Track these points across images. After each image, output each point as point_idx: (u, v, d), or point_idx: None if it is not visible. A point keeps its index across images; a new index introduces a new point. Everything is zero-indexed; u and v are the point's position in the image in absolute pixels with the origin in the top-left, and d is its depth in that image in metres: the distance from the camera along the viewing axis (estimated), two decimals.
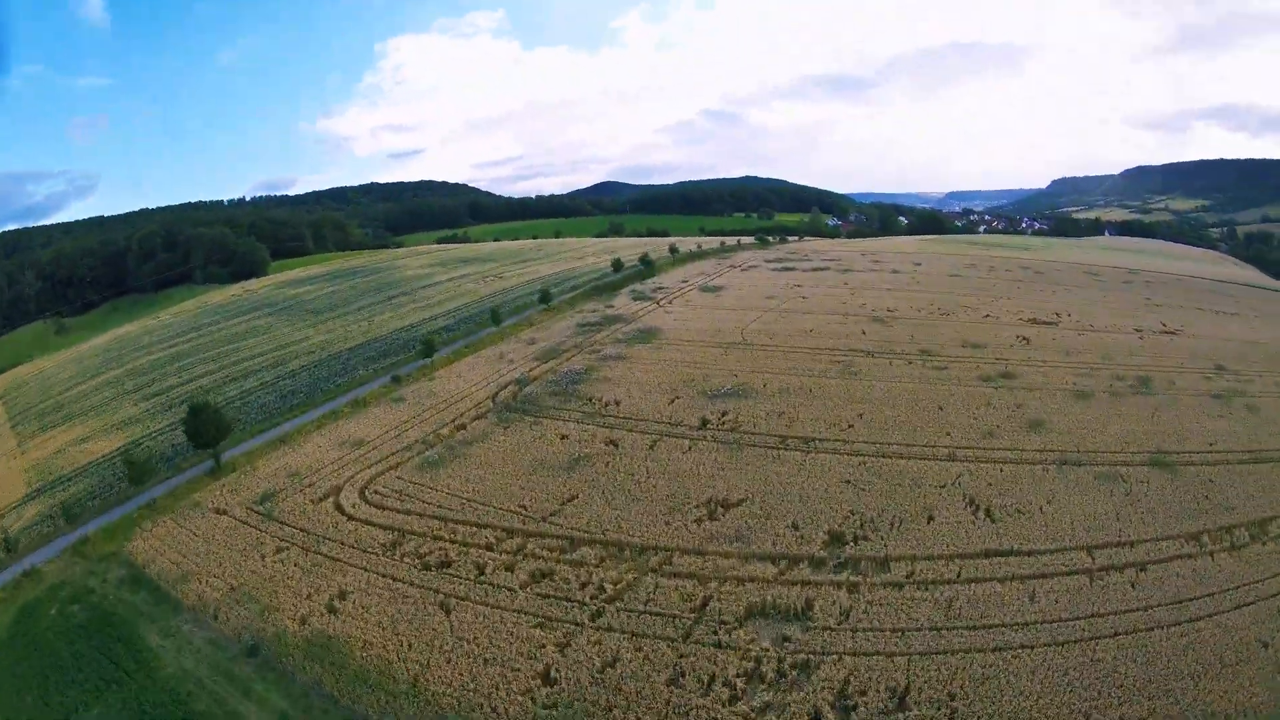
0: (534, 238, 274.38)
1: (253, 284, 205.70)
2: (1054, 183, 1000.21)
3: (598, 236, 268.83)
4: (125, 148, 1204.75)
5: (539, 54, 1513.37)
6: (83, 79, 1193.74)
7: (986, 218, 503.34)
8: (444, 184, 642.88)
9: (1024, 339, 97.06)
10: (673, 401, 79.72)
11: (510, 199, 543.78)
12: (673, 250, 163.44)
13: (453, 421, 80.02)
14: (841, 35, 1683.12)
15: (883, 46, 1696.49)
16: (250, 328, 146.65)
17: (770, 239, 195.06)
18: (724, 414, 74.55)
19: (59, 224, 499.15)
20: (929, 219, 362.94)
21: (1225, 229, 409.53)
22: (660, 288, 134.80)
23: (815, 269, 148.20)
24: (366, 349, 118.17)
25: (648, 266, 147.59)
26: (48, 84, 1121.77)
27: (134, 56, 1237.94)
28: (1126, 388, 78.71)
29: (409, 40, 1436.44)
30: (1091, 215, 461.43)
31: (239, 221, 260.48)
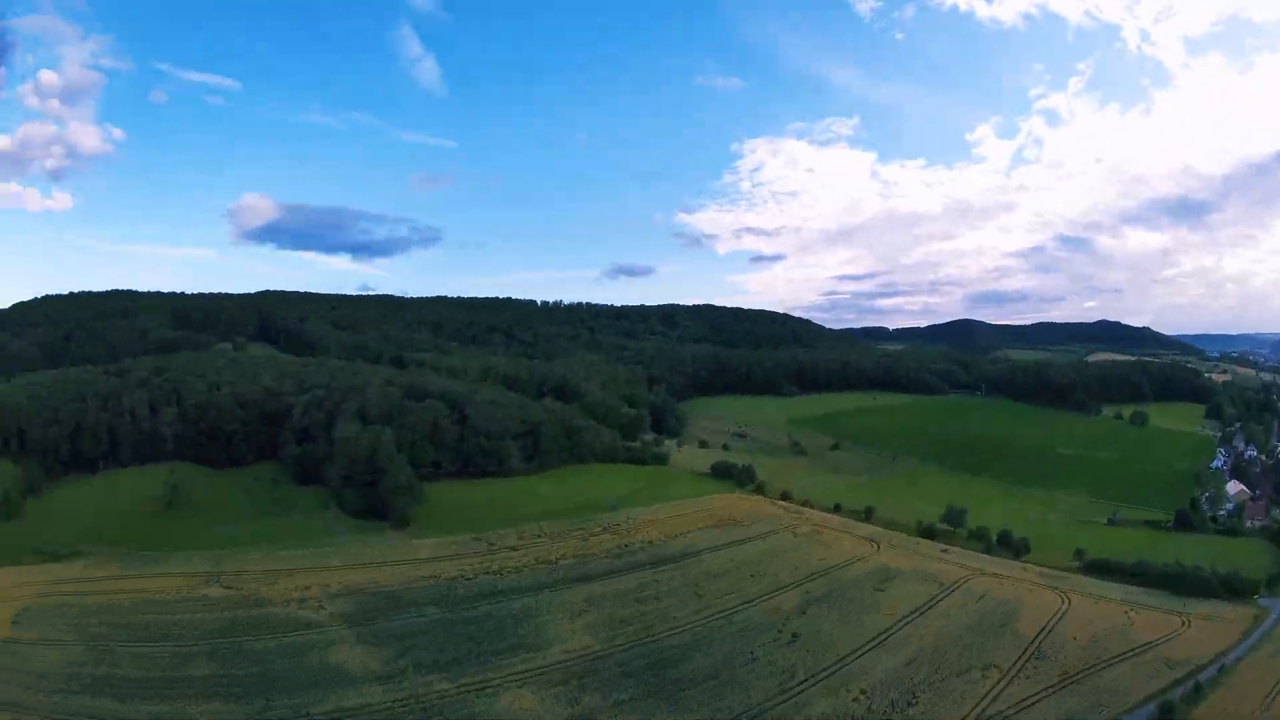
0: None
1: (342, 563, 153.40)
2: None
3: (921, 535, 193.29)
4: (468, 208, 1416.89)
5: (895, 166, 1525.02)
6: (421, 137, 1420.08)
7: None
8: (774, 316, 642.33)
9: None
10: None
11: (850, 339, 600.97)
12: None
13: None
14: (1179, 150, 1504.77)
15: (1217, 163, 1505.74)
16: None
17: None
18: None
19: (348, 294, 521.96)
20: None
21: None
22: None
23: None
24: None
25: None
26: (380, 135, 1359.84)
27: (474, 124, 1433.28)
28: None
29: (765, 143, 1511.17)
30: None
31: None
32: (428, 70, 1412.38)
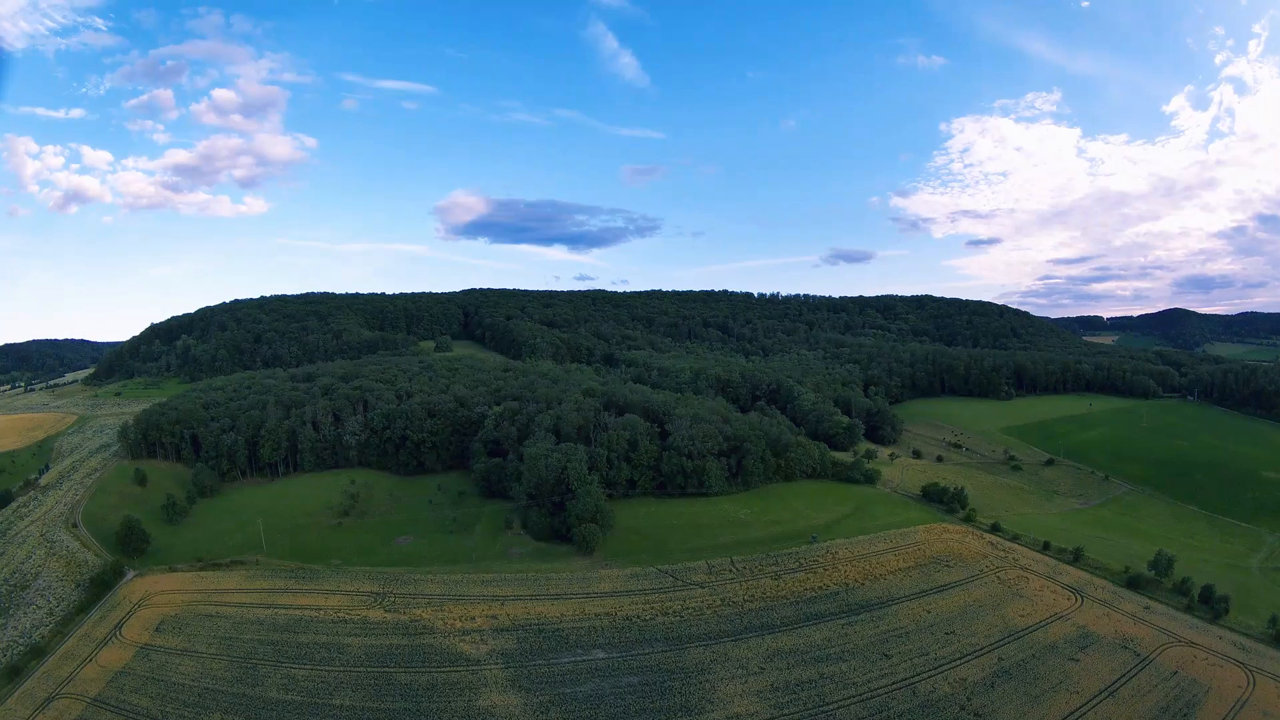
0: None
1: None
2: None
3: (1127, 585, 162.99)
4: (682, 198, 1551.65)
5: (1099, 143, 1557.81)
6: (629, 130, 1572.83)
7: None
8: (992, 308, 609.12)
9: None
10: None
11: (1066, 331, 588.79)
12: None
13: None
14: None
15: None
16: None
17: None
18: None
19: (559, 290, 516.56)
20: None
21: None
22: None
23: None
24: None
25: None
26: (587, 129, 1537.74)
27: (680, 115, 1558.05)
28: None
29: (972, 122, 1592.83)
30: None
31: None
32: (627, 65, 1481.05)
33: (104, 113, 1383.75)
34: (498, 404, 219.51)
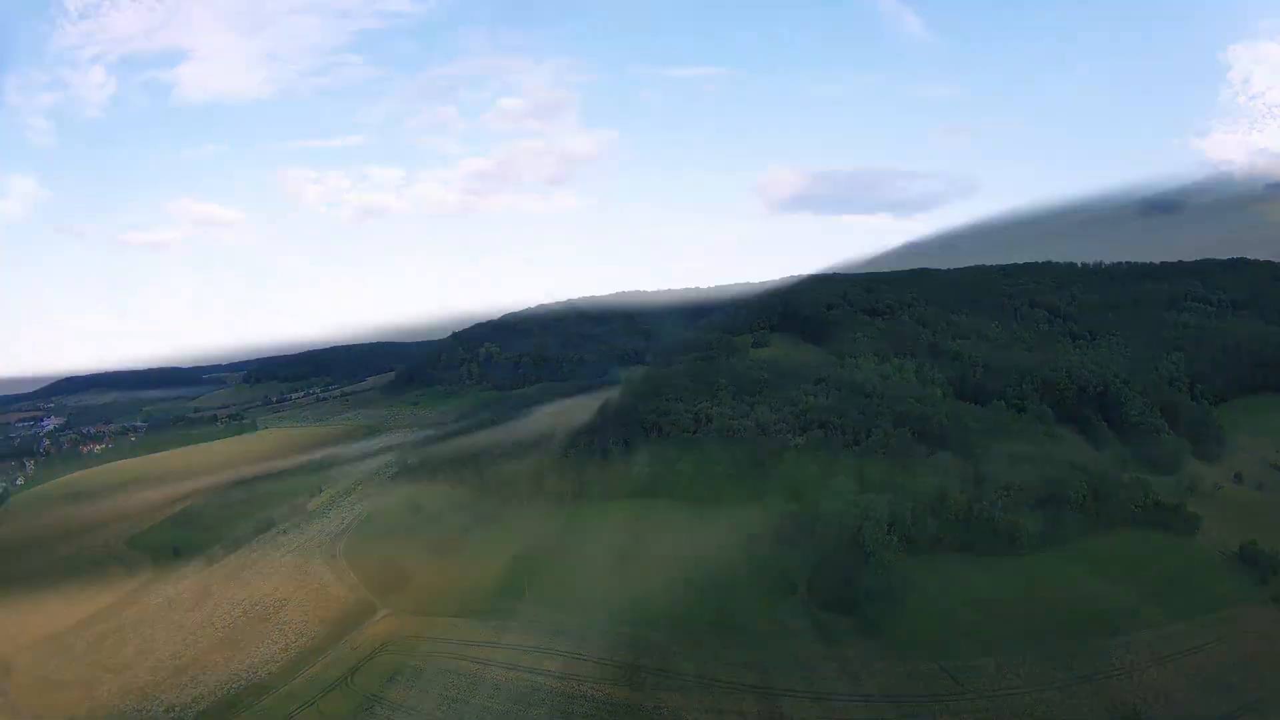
0: None
1: None
2: None
3: None
4: (994, 154, 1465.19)
5: None
6: (925, 88, 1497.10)
7: None
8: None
9: None
10: None
11: None
12: None
13: None
14: None
15: None
16: None
17: None
18: None
19: (880, 272, 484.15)
20: None
21: None
22: None
23: None
24: None
25: None
26: (888, 92, 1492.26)
27: (976, 70, 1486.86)
28: None
29: (1244, 49, 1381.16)
30: None
31: None
32: (912, 24, 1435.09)
33: (384, 135, 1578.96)
34: (802, 430, 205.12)
